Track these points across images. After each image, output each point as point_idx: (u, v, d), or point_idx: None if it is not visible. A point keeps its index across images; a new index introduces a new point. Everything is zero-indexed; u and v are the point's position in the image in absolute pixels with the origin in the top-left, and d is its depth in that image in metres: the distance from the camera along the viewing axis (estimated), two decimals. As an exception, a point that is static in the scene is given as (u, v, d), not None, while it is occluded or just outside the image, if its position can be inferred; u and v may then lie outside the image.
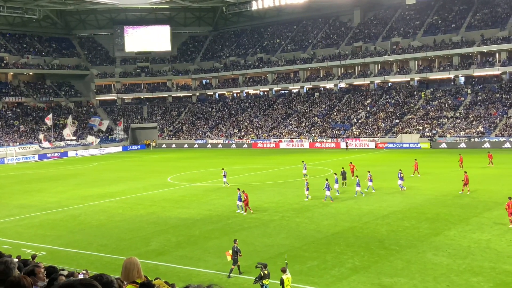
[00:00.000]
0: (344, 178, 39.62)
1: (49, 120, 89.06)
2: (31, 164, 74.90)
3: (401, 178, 37.60)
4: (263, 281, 17.52)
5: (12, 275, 3.30)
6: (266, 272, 17.49)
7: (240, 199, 32.06)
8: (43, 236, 28.87)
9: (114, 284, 3.32)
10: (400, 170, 38.56)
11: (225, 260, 20.99)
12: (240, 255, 20.46)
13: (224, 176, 43.14)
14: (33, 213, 35.43)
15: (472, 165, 49.76)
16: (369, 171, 38.54)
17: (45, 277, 6.44)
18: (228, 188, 41.39)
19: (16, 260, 9.62)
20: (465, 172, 36.10)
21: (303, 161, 47.55)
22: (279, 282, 16.80)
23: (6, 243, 26.74)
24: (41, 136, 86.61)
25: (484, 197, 33.22)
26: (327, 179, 35.70)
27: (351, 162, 45.09)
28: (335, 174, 37.97)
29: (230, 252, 20.47)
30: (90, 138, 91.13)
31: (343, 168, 41.06)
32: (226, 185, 42.44)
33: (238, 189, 32.95)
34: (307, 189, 35.10)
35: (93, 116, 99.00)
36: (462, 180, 35.30)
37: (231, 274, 20.35)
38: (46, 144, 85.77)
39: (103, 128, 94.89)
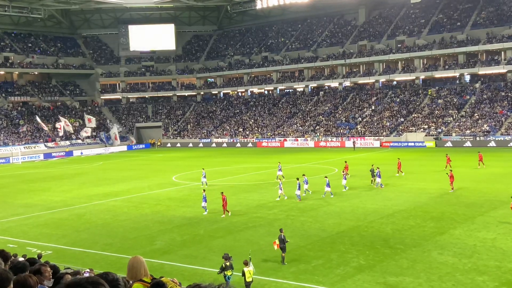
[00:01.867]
0: (373, 176, 39.42)
1: (90, 122, 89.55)
2: (36, 164, 75.12)
3: (379, 176, 38.25)
4: (226, 272, 18.44)
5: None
6: (228, 263, 18.44)
7: (205, 200, 31.92)
8: (49, 235, 28.96)
9: (120, 282, 3.31)
10: (378, 168, 39.07)
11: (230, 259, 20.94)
12: (287, 241, 21.53)
13: (204, 176, 42.31)
14: (38, 212, 35.55)
15: (478, 164, 49.62)
16: (378, 168, 38.98)
17: (51, 276, 6.45)
18: (213, 187, 40.61)
19: (22, 259, 9.65)
20: (451, 170, 36.68)
21: (279, 163, 46.33)
22: (241, 274, 18.15)
23: (11, 242, 26.83)
24: (83, 133, 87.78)
25: (490, 196, 33.10)
26: (326, 176, 36.26)
27: (346, 162, 44.63)
28: (326, 177, 37.47)
29: (277, 241, 21.45)
30: (84, 133, 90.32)
31: (372, 165, 40.88)
32: (204, 185, 41.42)
33: (204, 190, 33.00)
34: (281, 189, 35.30)
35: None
36: (446, 173, 36.03)
37: (284, 261, 21.28)
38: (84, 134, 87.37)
39: (93, 124, 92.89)
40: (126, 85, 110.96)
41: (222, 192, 31.63)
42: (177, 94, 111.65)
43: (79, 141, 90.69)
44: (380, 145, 74.81)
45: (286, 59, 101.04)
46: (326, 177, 36.35)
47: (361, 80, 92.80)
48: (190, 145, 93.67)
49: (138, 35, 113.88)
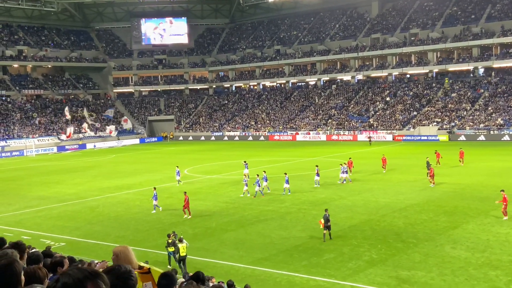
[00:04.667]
0: (428, 169, 39.01)
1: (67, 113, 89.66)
2: (50, 156, 75.69)
3: (345, 172, 38.19)
4: (168, 249, 21.03)
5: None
6: (170, 241, 20.89)
7: (156, 198, 31.67)
8: (62, 227, 29.20)
9: (132, 274, 3.30)
10: (344, 163, 39.18)
11: (241, 252, 21.16)
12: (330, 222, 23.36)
13: (178, 174, 41.67)
14: (51, 205, 35.85)
15: (492, 158, 49.31)
16: (345, 163, 39.50)
17: None
18: (181, 185, 40.40)
19: (35, 250, 9.74)
20: (431, 165, 36.46)
21: (245, 161, 44.50)
22: (173, 249, 20.58)
23: (25, 234, 27.08)
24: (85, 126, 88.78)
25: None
26: (285, 173, 35.90)
27: (350, 158, 44.32)
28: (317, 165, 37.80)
29: (322, 220, 23.42)
30: (109, 128, 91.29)
31: (427, 157, 40.61)
32: (178, 183, 41.15)
33: (154, 188, 32.72)
34: (246, 185, 35.22)
35: (109, 108, 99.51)
36: (428, 174, 35.80)
37: (325, 238, 23.24)
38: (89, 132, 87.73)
39: (128, 125, 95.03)
40: (139, 78, 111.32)
41: (185, 192, 30.80)
42: (189, 87, 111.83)
43: (92, 133, 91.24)
44: (393, 139, 74.42)
45: (298, 52, 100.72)
46: (285, 173, 35.92)
47: (374, 74, 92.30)
48: (202, 138, 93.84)
49: (151, 29, 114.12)
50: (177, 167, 42.69)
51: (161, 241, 25.09)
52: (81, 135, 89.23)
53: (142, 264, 4.97)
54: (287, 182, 34.99)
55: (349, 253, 21.47)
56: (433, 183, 35.25)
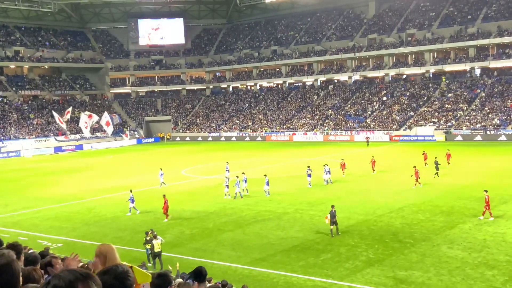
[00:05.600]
0: (437, 169, 39.16)
1: (68, 114, 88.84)
2: (47, 157, 75.55)
3: (328, 173, 38.07)
4: (146, 246, 21.98)
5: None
6: (148, 238, 21.84)
7: (132, 201, 31.44)
8: (59, 228, 29.16)
9: (130, 274, 3.30)
10: (327, 164, 39.23)
11: (239, 253, 21.19)
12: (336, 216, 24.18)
13: (161, 176, 41.00)
14: (49, 206, 35.80)
15: (488, 158, 49.44)
16: (326, 164, 39.92)
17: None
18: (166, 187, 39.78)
19: (32, 250, 9.72)
20: (414, 166, 36.03)
21: (227, 162, 44.68)
22: (150, 246, 21.49)
23: (22, 235, 27.04)
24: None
25: (500, 190, 32.87)
26: (265, 175, 35.79)
27: (342, 159, 44.27)
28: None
29: (329, 216, 24.14)
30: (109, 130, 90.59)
31: (436, 157, 40.64)
32: (162, 186, 40.47)
33: (131, 190, 32.45)
34: (227, 187, 35.09)
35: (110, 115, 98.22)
36: (412, 176, 35.59)
37: (332, 234, 23.99)
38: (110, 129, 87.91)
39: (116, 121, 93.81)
40: (136, 79, 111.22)
41: (164, 195, 30.41)
42: (186, 88, 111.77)
43: (90, 134, 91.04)
44: (390, 139, 74.51)
45: (295, 52, 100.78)
46: (265, 175, 35.84)
47: (371, 74, 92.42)
48: (199, 139, 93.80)
49: (148, 29, 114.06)
50: (161, 169, 42.33)
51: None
52: (78, 135, 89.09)
53: (124, 263, 4.93)
54: (267, 184, 34.84)
55: (346, 253, 21.51)
56: (419, 184, 35.15)
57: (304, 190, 36.49)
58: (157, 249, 21.32)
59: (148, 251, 21.88)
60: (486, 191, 26.29)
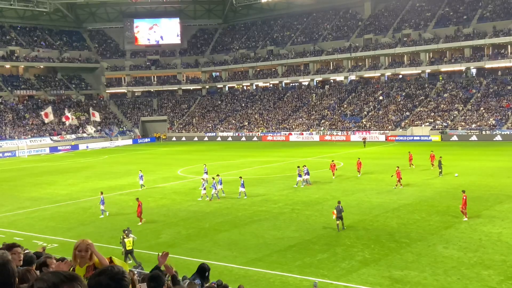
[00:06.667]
0: (440, 168, 39.26)
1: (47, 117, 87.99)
2: (42, 157, 75.37)
3: (300, 175, 37.93)
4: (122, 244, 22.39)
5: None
6: (125, 235, 22.18)
7: (103, 203, 31.32)
8: (55, 228, 29.09)
9: (125, 275, 3.28)
10: (305, 165, 39.04)
11: (235, 253, 21.18)
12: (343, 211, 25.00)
13: (141, 178, 40.59)
14: (44, 206, 35.71)
15: (484, 158, 49.57)
16: (305, 166, 39.16)
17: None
18: (145, 189, 39.71)
19: (27, 250, 9.68)
20: (398, 167, 36.01)
21: (205, 164, 44.04)
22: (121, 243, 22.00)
23: (18, 235, 26.97)
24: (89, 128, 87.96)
25: (495, 190, 33.00)
26: (240, 177, 35.57)
27: (332, 160, 44.04)
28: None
29: (335, 211, 24.98)
30: (89, 128, 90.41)
31: (440, 157, 40.66)
32: (142, 188, 40.10)
33: (101, 193, 32.30)
34: (204, 189, 34.98)
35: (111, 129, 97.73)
36: (392, 176, 35.69)
37: (339, 228, 24.85)
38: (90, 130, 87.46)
39: (97, 118, 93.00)
40: (132, 79, 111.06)
41: (138, 198, 30.23)
42: (182, 87, 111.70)
43: (85, 134, 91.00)
44: (386, 139, 74.63)
45: (291, 52, 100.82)
46: (240, 177, 35.64)
47: (367, 74, 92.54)
48: (195, 139, 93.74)
49: (144, 29, 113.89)
50: (140, 171, 42.05)
51: (154, 242, 25.11)
52: (73, 136, 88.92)
53: (112, 257, 4.88)
54: (243, 186, 34.63)
55: (342, 253, 21.52)
56: (401, 185, 35.13)
57: (300, 190, 36.52)
58: (128, 247, 21.73)
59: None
60: (463, 191, 26.58)
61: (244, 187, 34.71)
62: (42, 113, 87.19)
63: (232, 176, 44.42)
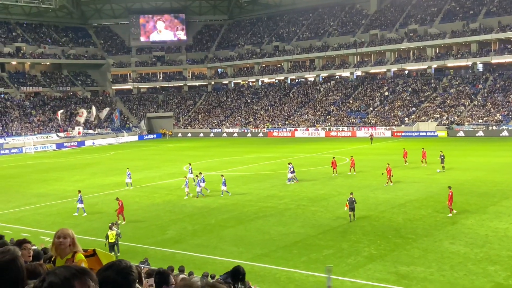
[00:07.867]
0: (442, 162, 39.32)
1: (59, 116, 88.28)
2: (49, 153, 75.64)
3: (292, 172, 37.87)
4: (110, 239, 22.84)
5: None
6: (109, 229, 22.85)
7: (81, 202, 31.08)
8: (61, 224, 29.16)
9: (133, 269, 3.28)
10: (290, 163, 38.88)
11: (241, 249, 21.22)
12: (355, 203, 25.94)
13: (129, 176, 40.05)
14: (51, 202, 35.84)
15: (490, 153, 49.39)
16: (290, 163, 38.96)
17: None
18: (132, 189, 39.32)
19: (36, 247, 9.72)
20: (388, 164, 35.78)
21: (189, 163, 44.02)
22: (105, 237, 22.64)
23: (25, 231, 27.08)
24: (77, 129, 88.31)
25: (502, 186, 32.89)
26: (222, 175, 35.47)
27: (333, 157, 43.86)
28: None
29: (347, 203, 25.97)
30: (76, 129, 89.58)
31: (441, 151, 40.73)
32: (129, 187, 39.71)
33: (79, 191, 31.96)
34: (187, 187, 34.63)
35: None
36: (383, 173, 35.48)
37: (351, 219, 25.82)
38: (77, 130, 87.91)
39: (82, 120, 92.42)
40: (137, 75, 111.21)
41: (117, 198, 30.01)
42: (188, 84, 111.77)
43: (91, 131, 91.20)
44: (392, 135, 74.47)
45: (297, 48, 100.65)
46: (222, 175, 35.49)
47: (373, 70, 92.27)
48: (201, 135, 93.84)
49: (149, 25, 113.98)
50: (128, 169, 41.86)
51: (160, 238, 25.17)
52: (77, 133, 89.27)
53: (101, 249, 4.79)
54: (224, 184, 34.49)
55: (348, 249, 21.51)
56: (391, 182, 34.99)
57: (306, 186, 36.49)
58: (111, 239, 22.41)
59: (117, 241, 22.83)
60: (450, 187, 26.81)
61: (225, 186, 34.48)
62: (80, 111, 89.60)
63: (238, 172, 44.49)
